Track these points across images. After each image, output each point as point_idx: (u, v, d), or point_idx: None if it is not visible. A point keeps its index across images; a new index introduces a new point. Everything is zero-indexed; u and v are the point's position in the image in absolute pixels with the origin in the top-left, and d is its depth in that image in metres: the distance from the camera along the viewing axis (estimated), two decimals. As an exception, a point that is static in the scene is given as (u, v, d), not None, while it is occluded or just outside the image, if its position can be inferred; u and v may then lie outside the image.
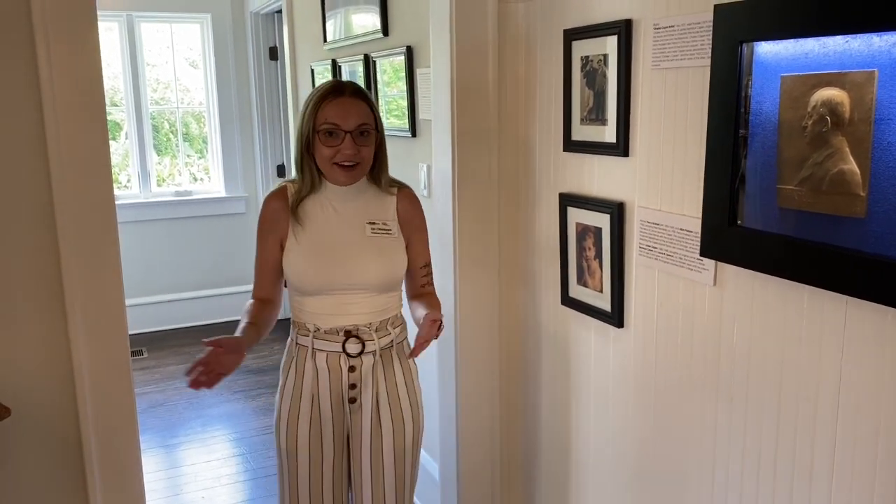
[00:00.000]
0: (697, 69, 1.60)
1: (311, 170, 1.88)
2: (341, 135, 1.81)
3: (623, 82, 1.82)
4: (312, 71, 4.03)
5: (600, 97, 1.91)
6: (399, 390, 1.97)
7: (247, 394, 4.30)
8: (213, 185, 5.59)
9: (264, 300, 1.95)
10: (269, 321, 1.94)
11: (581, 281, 2.09)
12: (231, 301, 5.43)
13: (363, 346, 1.90)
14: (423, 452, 2.42)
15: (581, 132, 2.01)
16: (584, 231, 2.04)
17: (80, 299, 1.74)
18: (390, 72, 3.06)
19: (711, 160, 1.55)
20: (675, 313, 1.76)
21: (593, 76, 1.93)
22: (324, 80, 3.78)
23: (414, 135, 2.88)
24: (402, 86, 2.92)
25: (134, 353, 4.83)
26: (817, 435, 1.43)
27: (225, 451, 3.66)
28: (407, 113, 2.90)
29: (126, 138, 5.29)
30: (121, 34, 5.14)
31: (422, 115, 2.79)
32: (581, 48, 1.96)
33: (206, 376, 1.62)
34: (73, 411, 1.79)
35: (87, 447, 1.80)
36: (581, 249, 2.07)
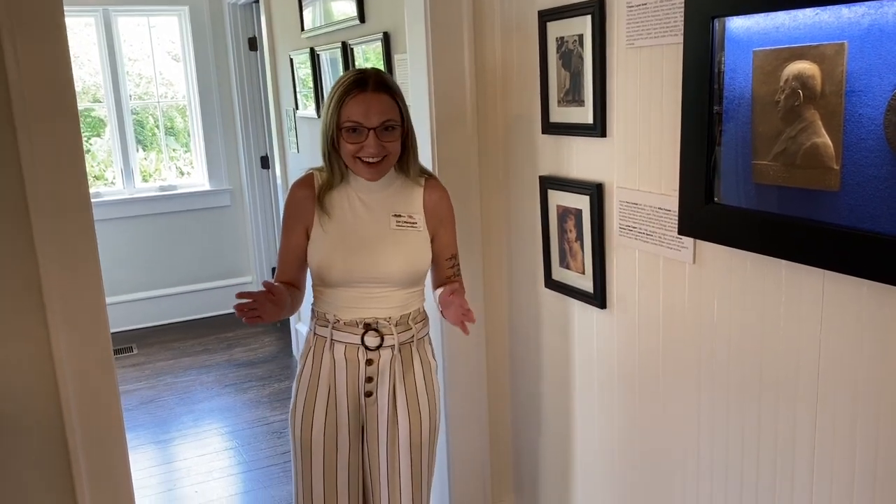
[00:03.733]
0: (671, 46, 1.59)
1: (338, 164, 1.86)
2: (364, 132, 1.77)
3: (598, 62, 1.81)
4: (292, 60, 4.00)
5: (577, 78, 1.90)
6: (417, 385, 1.94)
7: (237, 387, 4.29)
8: (197, 178, 5.55)
9: (288, 284, 1.93)
10: (296, 299, 1.94)
11: (564, 263, 2.09)
12: (219, 295, 5.34)
13: (382, 339, 1.88)
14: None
15: (559, 114, 2.00)
16: (564, 213, 2.04)
17: (58, 296, 1.71)
18: (372, 58, 3.04)
19: (687, 137, 1.54)
20: (656, 292, 1.76)
21: (569, 57, 1.92)
22: (306, 70, 3.79)
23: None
24: (381, 72, 2.89)
25: (123, 350, 4.81)
26: (798, 406, 1.43)
27: (217, 445, 3.65)
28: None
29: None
30: (98, 29, 5.08)
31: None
32: (556, 29, 1.95)
33: (250, 312, 1.68)
34: (56, 410, 1.77)
35: (72, 446, 1.79)
36: (562, 232, 2.06)
